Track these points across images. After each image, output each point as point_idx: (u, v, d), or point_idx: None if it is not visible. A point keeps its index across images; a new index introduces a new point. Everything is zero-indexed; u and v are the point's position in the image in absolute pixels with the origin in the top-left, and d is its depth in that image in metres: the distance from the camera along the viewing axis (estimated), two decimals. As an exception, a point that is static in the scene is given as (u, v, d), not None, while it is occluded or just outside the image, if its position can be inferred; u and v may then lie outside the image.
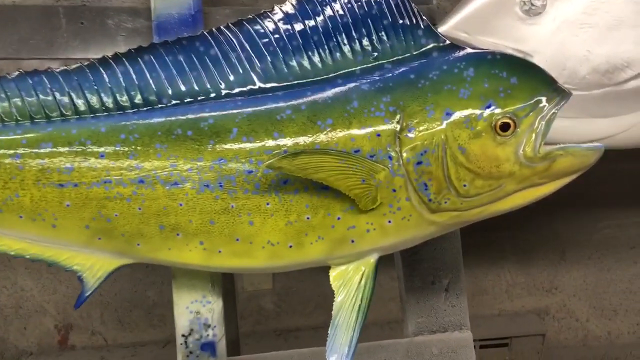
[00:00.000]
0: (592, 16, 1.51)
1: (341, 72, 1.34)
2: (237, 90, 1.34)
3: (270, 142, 1.30)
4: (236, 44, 1.33)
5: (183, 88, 1.33)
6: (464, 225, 1.40)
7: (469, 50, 1.33)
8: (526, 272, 2.98)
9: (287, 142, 1.30)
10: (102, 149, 1.30)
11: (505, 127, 1.28)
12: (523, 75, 1.30)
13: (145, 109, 1.32)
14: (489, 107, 1.29)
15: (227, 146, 1.30)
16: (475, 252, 2.85)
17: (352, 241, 1.34)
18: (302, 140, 1.29)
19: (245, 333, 2.71)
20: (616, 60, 1.51)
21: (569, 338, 3.05)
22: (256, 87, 1.34)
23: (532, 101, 1.29)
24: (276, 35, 1.33)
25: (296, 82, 1.33)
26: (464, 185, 1.29)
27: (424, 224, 1.33)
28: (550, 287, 3.04)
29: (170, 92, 1.33)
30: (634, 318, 3.10)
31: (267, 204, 1.31)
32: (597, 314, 3.07)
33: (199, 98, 1.33)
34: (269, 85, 1.34)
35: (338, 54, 1.34)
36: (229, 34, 1.34)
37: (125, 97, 1.32)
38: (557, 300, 3.05)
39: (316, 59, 1.33)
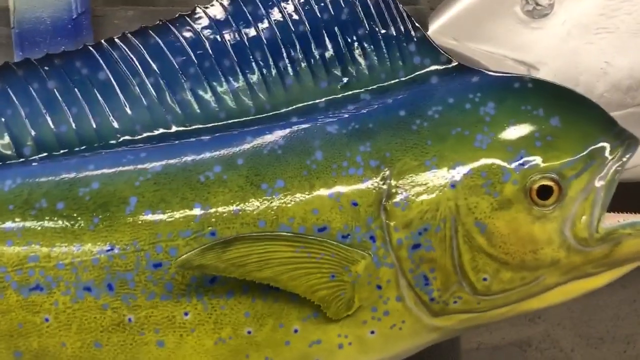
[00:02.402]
0: (611, 19, 1.37)
1: (297, 105, 1.05)
2: (139, 135, 1.04)
3: (188, 219, 0.99)
4: (138, 65, 1.03)
5: (53, 132, 1.01)
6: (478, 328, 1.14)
7: (485, 73, 1.04)
8: (507, 301, 2.79)
9: (215, 218, 0.98)
10: None
11: (545, 192, 0.99)
12: (569, 114, 1.02)
13: None
14: (520, 162, 0.99)
15: (121, 226, 0.98)
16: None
17: None
18: (238, 215, 0.98)
19: None
20: None
21: None
22: (169, 130, 1.04)
23: (584, 153, 1.01)
24: (199, 51, 1.03)
25: (230, 121, 1.03)
26: (484, 280, 1.01)
27: (422, 331, 1.06)
28: (533, 316, 2.77)
29: (32, 138, 1.02)
30: (621, 346, 2.88)
31: (186, 314, 1.00)
32: (582, 343, 2.86)
33: (77, 149, 1.00)
34: (188, 127, 1.03)
35: (292, 79, 1.04)
36: (128, 50, 1.03)
37: None
38: (540, 330, 2.82)
39: (259, 86, 1.04)
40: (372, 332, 1.04)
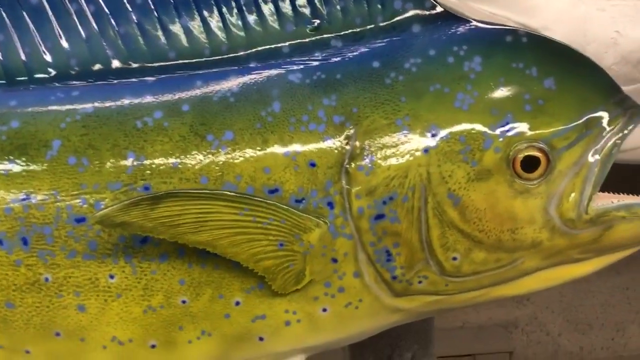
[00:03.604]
0: (626, -16, 1.24)
1: (258, 49, 0.94)
2: (74, 71, 0.94)
3: (119, 170, 0.89)
4: None
5: None
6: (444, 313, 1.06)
7: (474, 24, 0.95)
8: (496, 281, 2.83)
9: (150, 171, 0.89)
10: None
11: (531, 164, 0.89)
12: (566, 76, 0.92)
13: None
14: (505, 127, 0.89)
15: (40, 172, 0.90)
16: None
17: (261, 339, 0.95)
18: (177, 168, 0.89)
19: None
20: None
21: (537, 353, 2.86)
22: (109, 67, 0.94)
23: (579, 121, 0.90)
24: None
25: (179, 62, 0.93)
26: (454, 259, 0.91)
27: (382, 312, 0.96)
28: (521, 298, 2.76)
29: None
30: (610, 333, 2.93)
31: (111, 276, 0.91)
32: (570, 327, 2.89)
33: (1, 81, 0.93)
34: (131, 65, 0.94)
35: (255, 18, 0.94)
36: None
37: None
38: (527, 313, 2.84)
39: (217, 24, 0.93)
40: (325, 310, 0.94)
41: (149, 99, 0.92)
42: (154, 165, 0.89)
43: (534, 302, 2.82)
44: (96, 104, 0.92)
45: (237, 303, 0.93)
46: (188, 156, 0.90)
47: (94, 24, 0.94)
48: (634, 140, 1.43)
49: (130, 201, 0.85)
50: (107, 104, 0.92)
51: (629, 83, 1.34)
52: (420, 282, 0.93)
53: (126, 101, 0.92)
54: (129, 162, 0.89)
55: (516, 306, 2.81)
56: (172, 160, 0.89)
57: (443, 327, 2.61)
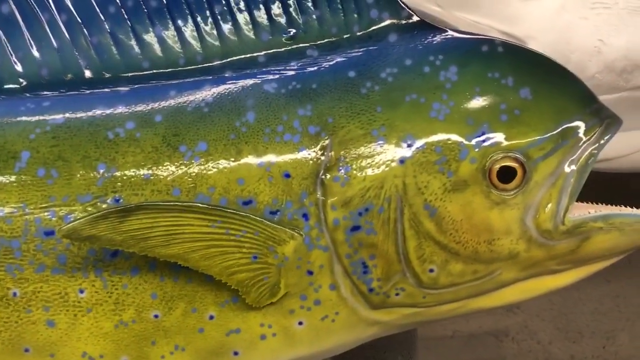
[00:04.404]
0: (609, -7, 1.27)
1: (233, 58, 0.93)
2: (44, 80, 0.92)
3: (89, 182, 0.87)
4: None
5: None
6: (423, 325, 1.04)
7: (450, 34, 0.93)
8: (486, 289, 2.81)
9: (121, 182, 0.87)
10: None
11: (507, 174, 0.87)
12: (542, 85, 0.90)
13: None
14: (481, 137, 0.88)
15: (8, 184, 0.87)
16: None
17: (236, 353, 0.93)
18: (149, 179, 0.87)
19: None
20: (637, 56, 1.31)
21: None
22: (82, 77, 0.92)
23: (555, 132, 0.88)
24: None
25: (151, 72, 0.92)
26: (431, 271, 0.90)
27: (359, 325, 0.94)
28: (511, 307, 2.83)
29: None
30: (600, 341, 2.92)
31: (81, 291, 0.88)
32: (561, 336, 2.89)
33: None
34: (104, 75, 0.92)
35: (230, 28, 0.92)
36: None
37: None
38: (518, 321, 2.80)
39: (191, 33, 0.91)
40: (300, 323, 0.92)
41: (121, 109, 0.90)
42: (125, 177, 0.87)
43: (524, 311, 2.74)
44: (67, 115, 0.90)
45: (211, 317, 0.91)
46: (160, 167, 0.88)
47: (66, 34, 0.92)
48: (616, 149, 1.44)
49: (98, 214, 0.82)
50: (79, 115, 0.90)
51: (612, 92, 1.34)
52: (397, 294, 0.91)
53: (98, 112, 0.90)
54: (99, 173, 0.87)
55: (506, 314, 2.74)
56: (143, 171, 0.87)
57: (433, 336, 2.62)
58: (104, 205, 0.86)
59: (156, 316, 0.90)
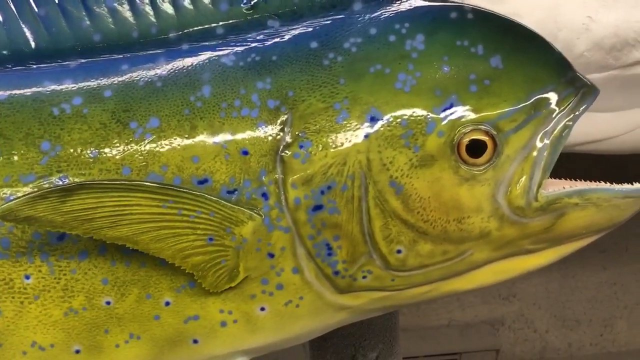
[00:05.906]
0: (599, -32, 1.23)
1: (189, 30, 0.88)
2: None
3: (32, 160, 0.82)
4: None
5: None
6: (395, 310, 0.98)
7: (419, 1, 0.88)
8: (481, 277, 2.81)
9: (67, 161, 0.83)
10: None
11: (477, 148, 0.82)
12: (514, 54, 0.85)
13: None
14: (449, 110, 0.82)
15: None
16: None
17: (195, 341, 0.89)
18: (97, 158, 0.83)
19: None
20: (627, 33, 1.26)
21: (525, 350, 2.83)
22: (28, 51, 0.87)
23: (527, 102, 0.83)
24: None
25: (100, 44, 0.87)
26: (398, 252, 0.84)
27: (325, 310, 0.89)
28: (507, 295, 2.78)
29: None
30: (598, 329, 2.89)
31: (27, 277, 0.84)
32: (557, 324, 2.85)
33: None
34: (52, 49, 0.87)
35: None
36: None
37: None
38: (514, 310, 2.81)
39: (145, 4, 0.87)
40: (263, 309, 0.88)
41: (68, 84, 0.85)
42: (71, 155, 0.82)
43: (520, 299, 2.79)
44: (11, 91, 0.85)
45: (167, 303, 0.86)
46: (109, 145, 0.83)
47: (12, 6, 0.87)
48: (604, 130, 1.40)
49: (36, 193, 0.77)
50: (23, 91, 0.85)
51: (601, 70, 1.28)
52: (364, 277, 0.86)
53: (44, 87, 0.85)
54: (43, 151, 0.82)
55: (502, 303, 2.78)
56: (91, 149, 0.82)
57: (429, 325, 2.68)
58: (48, 185, 0.81)
59: (108, 303, 0.85)
